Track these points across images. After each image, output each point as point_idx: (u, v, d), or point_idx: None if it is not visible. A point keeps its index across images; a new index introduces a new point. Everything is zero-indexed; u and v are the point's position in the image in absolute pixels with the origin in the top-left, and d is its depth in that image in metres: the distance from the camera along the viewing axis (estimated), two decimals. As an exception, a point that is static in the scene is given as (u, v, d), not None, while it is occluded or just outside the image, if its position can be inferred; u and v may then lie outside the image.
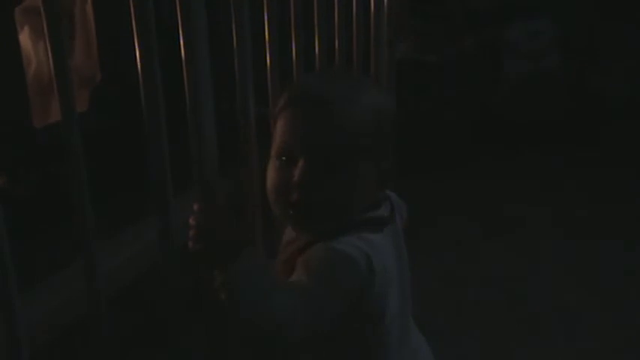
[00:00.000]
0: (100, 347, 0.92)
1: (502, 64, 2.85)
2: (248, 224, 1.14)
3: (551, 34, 2.86)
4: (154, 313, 1.11)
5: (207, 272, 0.90)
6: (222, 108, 1.05)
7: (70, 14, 1.77)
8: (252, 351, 1.05)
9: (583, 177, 2.62)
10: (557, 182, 2.63)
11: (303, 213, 0.92)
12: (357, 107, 0.91)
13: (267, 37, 1.23)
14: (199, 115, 0.97)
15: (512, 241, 2.23)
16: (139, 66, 0.92)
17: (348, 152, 0.89)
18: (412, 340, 1.03)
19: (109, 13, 1.71)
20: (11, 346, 0.82)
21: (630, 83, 2.92)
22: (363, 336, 0.93)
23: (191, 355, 0.99)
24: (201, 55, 0.96)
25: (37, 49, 1.74)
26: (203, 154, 0.98)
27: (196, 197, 0.97)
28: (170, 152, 0.94)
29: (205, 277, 0.93)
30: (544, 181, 2.64)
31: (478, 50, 2.81)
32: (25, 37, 1.71)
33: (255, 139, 1.15)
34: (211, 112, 0.99)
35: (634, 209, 2.38)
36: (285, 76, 1.29)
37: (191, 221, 0.93)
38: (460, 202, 2.45)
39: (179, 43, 0.96)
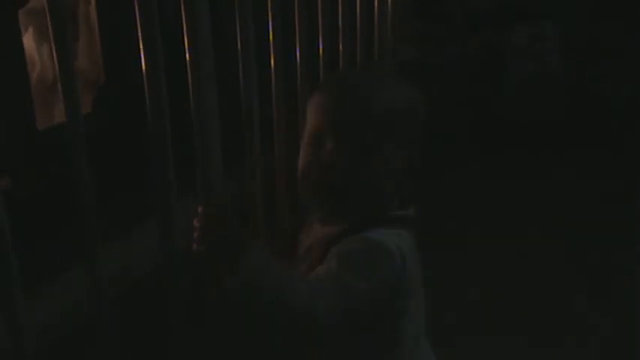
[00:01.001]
0: (103, 349, 0.92)
1: (504, 65, 2.85)
2: (252, 225, 1.14)
3: (552, 35, 2.86)
4: (155, 314, 1.11)
5: (211, 274, 0.90)
6: (227, 109, 1.05)
7: (74, 16, 1.77)
8: (256, 350, 1.04)
9: (585, 177, 2.62)
10: (559, 182, 2.62)
11: (337, 196, 0.92)
12: (386, 94, 0.94)
13: (271, 38, 1.23)
14: (203, 116, 0.97)
15: (513, 241, 2.22)
16: (143, 67, 0.92)
17: (378, 136, 0.90)
18: (424, 342, 1.02)
19: (113, 14, 1.71)
20: (14, 347, 0.82)
21: (630, 84, 2.92)
22: (383, 333, 0.92)
23: (192, 357, 0.98)
24: (206, 55, 0.96)
25: (41, 50, 1.74)
26: (207, 156, 0.98)
27: (200, 199, 0.97)
28: (174, 153, 0.94)
29: (208, 279, 0.92)
30: (545, 181, 2.64)
31: (480, 52, 2.81)
32: (29, 39, 1.71)
33: (259, 139, 1.15)
34: (215, 113, 0.99)
35: (636, 210, 2.38)
36: (289, 78, 1.29)
37: (195, 223, 0.93)
38: (461, 203, 2.44)
39: (183, 43, 0.96)
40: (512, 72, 2.85)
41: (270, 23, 1.23)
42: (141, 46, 0.91)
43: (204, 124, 0.97)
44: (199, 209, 0.93)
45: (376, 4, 1.75)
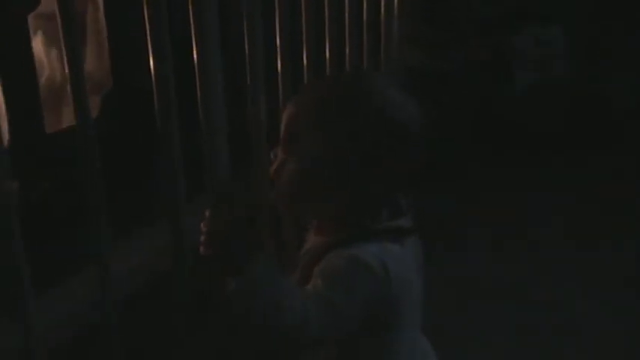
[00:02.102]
0: (111, 350, 0.93)
1: (511, 71, 2.85)
2: (260, 229, 1.15)
3: (559, 41, 2.86)
4: (164, 317, 1.12)
5: (218, 277, 0.90)
6: (234, 112, 1.06)
7: (82, 21, 1.78)
8: (256, 352, 1.05)
9: (592, 183, 2.61)
10: (566, 189, 2.62)
11: (311, 206, 0.92)
12: (375, 103, 0.89)
13: (278, 41, 1.24)
14: (210, 118, 0.98)
15: (522, 247, 2.22)
16: (152, 70, 0.93)
17: (354, 146, 0.87)
18: (421, 349, 1.02)
19: (121, 19, 1.72)
20: (24, 348, 0.82)
21: (631, 83, 2.91)
22: (375, 342, 0.93)
23: (199, 357, 0.99)
24: (213, 59, 0.97)
25: (50, 54, 1.75)
26: (214, 160, 0.99)
27: (208, 202, 0.98)
28: (183, 157, 0.95)
29: (216, 282, 0.93)
30: (552, 187, 2.63)
31: (487, 58, 2.82)
32: (38, 43, 1.72)
33: (266, 143, 1.16)
34: (223, 117, 1.00)
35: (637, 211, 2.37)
36: (296, 81, 1.30)
37: (202, 226, 0.93)
38: (470, 210, 2.44)
39: (191, 48, 0.97)
40: (520, 79, 2.85)
41: (278, 28, 1.24)
42: (150, 50, 0.92)
43: (212, 126, 0.98)
44: (206, 212, 0.93)
45: (382, 10, 1.76)
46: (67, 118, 1.73)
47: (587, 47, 2.93)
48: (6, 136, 1.28)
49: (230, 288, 0.85)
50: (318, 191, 0.91)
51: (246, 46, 1.10)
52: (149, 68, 0.96)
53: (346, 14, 1.55)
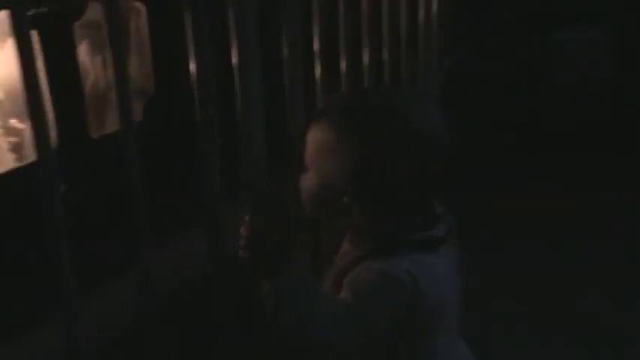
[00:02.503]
0: (150, 353, 0.95)
1: (549, 73, 2.80)
2: (295, 234, 1.16)
3: (600, 42, 2.80)
4: (202, 320, 1.13)
5: (256, 280, 0.91)
6: (273, 115, 1.07)
7: (126, 28, 1.83)
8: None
9: (630, 190, 2.54)
10: (603, 193, 2.55)
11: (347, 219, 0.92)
12: (408, 117, 0.89)
13: (316, 48, 1.25)
14: (249, 123, 0.99)
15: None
16: (194, 76, 0.94)
17: (388, 161, 0.87)
18: (457, 356, 1.01)
19: (162, 25, 1.76)
20: (68, 350, 0.85)
21: None
22: (409, 351, 0.93)
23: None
24: (253, 65, 0.99)
25: (95, 62, 1.80)
26: (254, 165, 1.01)
27: (247, 206, 0.99)
28: (223, 161, 0.96)
29: (254, 285, 0.94)
30: (588, 191, 2.57)
31: (526, 60, 2.78)
32: (83, 51, 1.77)
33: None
34: (261, 120, 1.01)
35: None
36: (334, 87, 1.31)
37: (242, 231, 0.95)
38: (505, 217, 2.40)
39: (230, 53, 0.99)
40: (560, 81, 2.80)
41: (316, 35, 1.25)
42: (191, 56, 0.94)
43: (250, 129, 0.99)
44: (246, 217, 0.95)
45: (421, 14, 1.75)
46: (111, 123, 1.77)
47: (632, 49, 2.86)
48: (53, 141, 1.32)
49: (265, 290, 0.87)
50: (339, 205, 0.90)
51: (286, 53, 1.11)
52: (190, 73, 0.98)
53: (384, 17, 1.55)
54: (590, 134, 2.78)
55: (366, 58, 1.48)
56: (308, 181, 0.92)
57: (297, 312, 0.84)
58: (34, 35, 1.30)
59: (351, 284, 0.88)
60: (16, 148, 1.68)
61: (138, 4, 1.80)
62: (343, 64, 1.37)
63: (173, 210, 1.48)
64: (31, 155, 1.50)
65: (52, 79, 1.46)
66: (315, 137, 0.91)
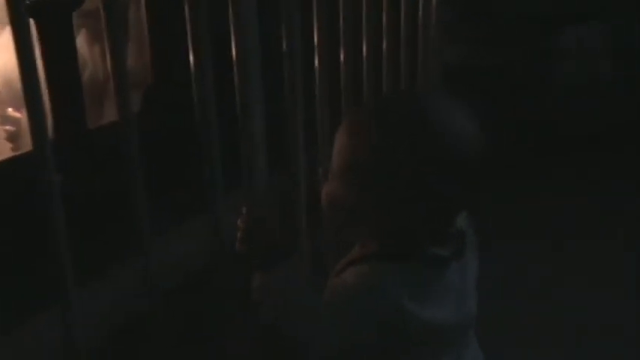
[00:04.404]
0: (154, 344, 0.95)
1: (553, 70, 2.79)
2: (294, 229, 1.15)
3: (604, 40, 2.79)
4: (205, 311, 1.13)
5: (252, 273, 0.91)
6: (272, 111, 1.07)
7: (124, 17, 1.82)
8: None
9: (631, 188, 2.54)
10: (606, 192, 2.55)
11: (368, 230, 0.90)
12: (445, 133, 0.84)
13: (316, 41, 1.25)
14: (250, 117, 0.99)
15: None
16: (192, 69, 0.94)
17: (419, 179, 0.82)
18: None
19: (162, 17, 1.75)
20: (67, 340, 0.85)
21: None
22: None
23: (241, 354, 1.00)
24: (253, 57, 0.98)
25: (93, 52, 1.79)
26: (253, 157, 1.00)
27: (246, 197, 0.99)
28: (222, 151, 0.96)
29: (249, 275, 0.94)
30: (593, 191, 2.57)
31: (526, 55, 2.77)
32: (81, 40, 1.76)
33: (302, 142, 1.17)
34: (261, 115, 1.01)
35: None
36: (333, 80, 1.31)
37: (239, 223, 0.95)
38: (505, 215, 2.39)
39: (230, 46, 0.98)
40: (563, 78, 2.79)
41: (316, 25, 1.25)
42: (189, 48, 0.93)
43: (250, 124, 0.99)
44: (243, 209, 0.94)
45: (420, 6, 1.75)
46: (109, 113, 1.76)
47: (632, 48, 2.85)
48: (50, 130, 1.31)
49: (254, 284, 0.87)
50: (356, 213, 0.87)
51: (284, 43, 1.11)
52: (189, 63, 0.98)
53: (383, 10, 1.54)
54: (592, 133, 2.77)
55: (365, 50, 1.47)
56: (330, 185, 0.91)
57: (277, 310, 0.85)
58: (32, 24, 1.29)
59: (333, 287, 0.87)
60: (13, 137, 1.67)
61: (137, -6, 1.79)
62: (342, 56, 1.36)
63: (173, 202, 1.48)
64: (27, 144, 1.49)
65: (49, 68, 1.45)
66: (339, 143, 0.89)
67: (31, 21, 1.07)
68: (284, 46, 1.11)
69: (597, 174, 2.68)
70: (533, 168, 2.68)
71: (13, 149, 1.64)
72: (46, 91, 1.44)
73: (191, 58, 0.94)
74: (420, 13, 1.74)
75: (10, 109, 1.68)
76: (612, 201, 2.48)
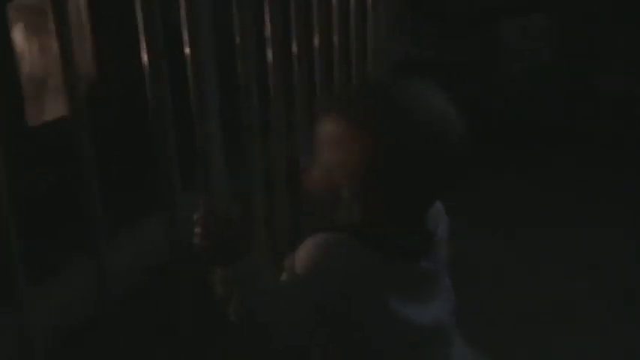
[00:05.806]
0: (109, 346, 0.92)
1: (497, 61, 2.85)
2: (252, 224, 1.14)
3: (546, 29, 2.85)
4: (163, 311, 1.11)
5: (212, 268, 0.90)
6: (229, 106, 1.05)
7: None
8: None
9: (586, 175, 2.60)
10: (560, 181, 2.61)
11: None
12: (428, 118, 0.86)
13: (269, 33, 1.23)
14: (204, 112, 0.97)
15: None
16: (146, 65, 0.91)
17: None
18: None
19: (105, 12, 1.70)
20: (20, 342, 0.81)
21: (630, 77, 2.89)
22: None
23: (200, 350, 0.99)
24: (206, 52, 0.96)
25: (31, 46, 1.72)
26: (208, 153, 0.98)
27: (202, 194, 0.97)
28: (177, 147, 0.94)
29: (210, 273, 0.93)
30: (546, 179, 2.62)
31: (473, 47, 2.81)
32: (18, 34, 1.69)
33: (258, 137, 1.15)
34: (216, 110, 0.99)
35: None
36: (287, 70, 1.30)
37: (195, 218, 0.93)
38: (462, 205, 2.42)
39: (183, 40, 0.96)
40: (507, 68, 2.84)
41: (269, 21, 1.23)
42: (144, 44, 0.90)
43: (205, 116, 0.97)
44: (200, 203, 0.93)
45: (369, 0, 1.76)
46: (50, 110, 1.70)
47: (574, 36, 2.92)
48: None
49: (216, 278, 0.86)
50: (339, 200, 0.87)
51: (239, 40, 1.09)
52: (136, 57, 0.95)
53: (333, 4, 1.54)
54: (539, 121, 2.83)
55: (316, 42, 1.47)
56: (312, 174, 0.90)
57: (243, 302, 0.84)
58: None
59: (296, 252, 0.87)
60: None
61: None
62: (294, 48, 1.36)
63: (126, 199, 1.44)
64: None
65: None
66: (320, 130, 0.88)
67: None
68: (238, 41, 1.09)
69: (542, 159, 2.73)
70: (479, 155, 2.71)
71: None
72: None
73: (145, 54, 0.91)
74: (369, 6, 1.75)
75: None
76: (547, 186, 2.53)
